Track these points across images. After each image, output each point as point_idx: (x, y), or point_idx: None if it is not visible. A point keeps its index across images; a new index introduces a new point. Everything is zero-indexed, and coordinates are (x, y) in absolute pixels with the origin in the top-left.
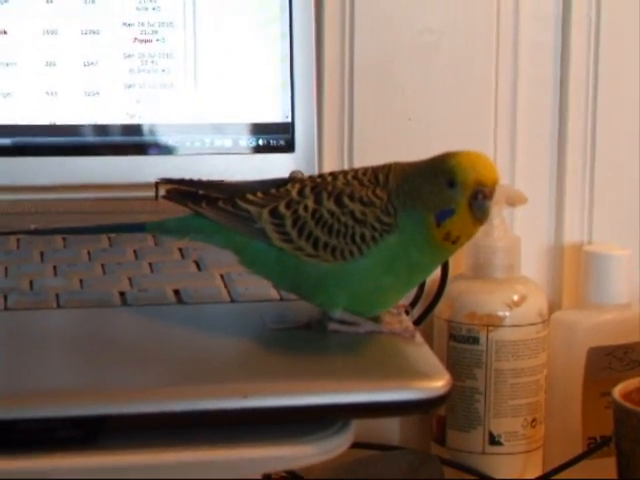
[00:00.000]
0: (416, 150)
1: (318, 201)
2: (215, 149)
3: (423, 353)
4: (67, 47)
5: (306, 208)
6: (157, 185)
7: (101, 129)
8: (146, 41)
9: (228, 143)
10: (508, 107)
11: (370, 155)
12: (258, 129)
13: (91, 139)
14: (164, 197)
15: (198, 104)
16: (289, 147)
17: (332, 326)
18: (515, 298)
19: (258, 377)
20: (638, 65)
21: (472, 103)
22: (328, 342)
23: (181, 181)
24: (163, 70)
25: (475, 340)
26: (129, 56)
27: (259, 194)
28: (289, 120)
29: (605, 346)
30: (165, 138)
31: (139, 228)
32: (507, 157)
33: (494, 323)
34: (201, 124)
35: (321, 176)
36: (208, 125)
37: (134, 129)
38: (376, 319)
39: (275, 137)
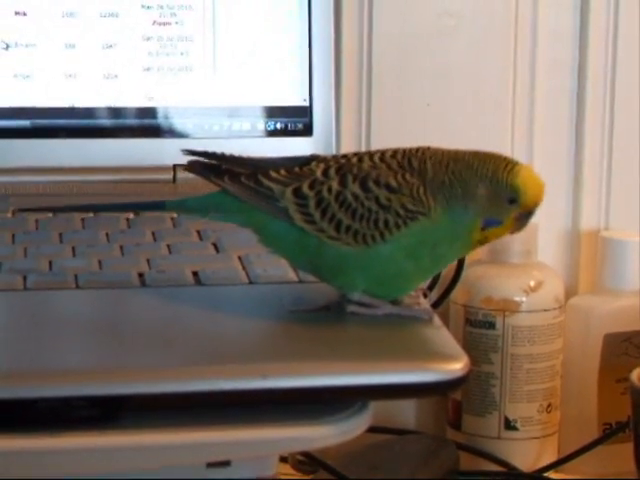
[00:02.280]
0: (434, 135)
1: (343, 183)
2: (233, 132)
3: (441, 335)
4: (86, 29)
5: (330, 190)
6: (175, 168)
7: (119, 112)
8: (165, 24)
9: (246, 126)
10: (526, 92)
11: (388, 140)
12: (276, 112)
13: (109, 122)
14: (185, 168)
15: (216, 87)
16: (307, 131)
17: (351, 308)
18: (532, 283)
19: (277, 358)
20: None
21: (490, 88)
22: (346, 324)
23: (204, 153)
24: (182, 53)
25: (491, 325)
26: (148, 39)
27: (282, 172)
28: (307, 104)
29: (621, 332)
30: (183, 121)
31: (159, 206)
32: (525, 142)
33: (510, 308)
34: (219, 107)
35: (345, 156)
36: (226, 108)
37: (152, 112)
38: (394, 302)
39: (293, 121)
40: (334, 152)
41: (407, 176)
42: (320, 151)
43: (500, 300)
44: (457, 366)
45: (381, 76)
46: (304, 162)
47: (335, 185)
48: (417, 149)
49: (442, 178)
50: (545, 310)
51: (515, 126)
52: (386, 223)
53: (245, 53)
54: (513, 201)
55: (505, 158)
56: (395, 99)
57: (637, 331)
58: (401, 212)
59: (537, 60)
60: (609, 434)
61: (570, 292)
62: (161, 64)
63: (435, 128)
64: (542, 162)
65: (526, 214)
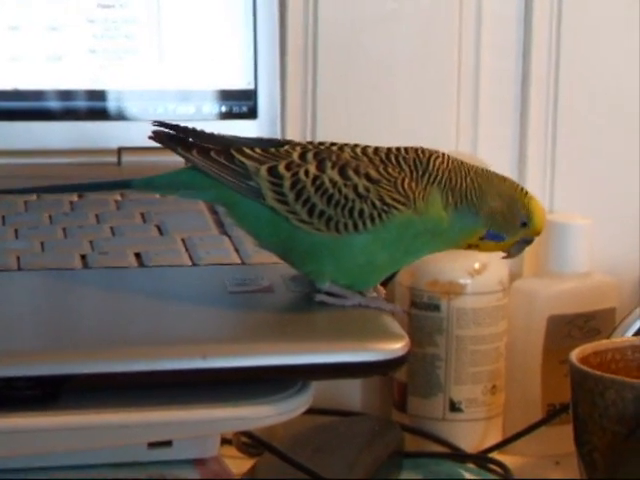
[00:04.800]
0: (379, 119)
1: (321, 168)
2: (178, 116)
3: (382, 317)
4: (30, 11)
5: (307, 173)
6: (120, 151)
7: (64, 94)
8: (109, 6)
9: (191, 110)
10: (471, 76)
11: (333, 123)
12: (221, 96)
13: (54, 104)
14: (150, 137)
15: (161, 70)
16: (252, 114)
17: (319, 297)
18: (476, 266)
19: (217, 338)
20: (600, 31)
21: (435, 72)
22: (288, 305)
23: (173, 126)
24: (126, 36)
25: (436, 307)
26: (92, 21)
27: (257, 150)
28: (252, 87)
29: (565, 314)
30: (128, 104)
31: (125, 185)
32: (470, 126)
33: (455, 291)
34: (164, 90)
35: (322, 144)
36: (171, 91)
37: (97, 95)
38: (360, 292)
39: (238, 104)
40: (279, 135)
41: (389, 169)
42: (265, 134)
43: (445, 283)
44: (397, 346)
45: (327, 60)
46: (278, 144)
47: (313, 169)
48: (406, 149)
49: (457, 180)
50: (489, 293)
51: (460, 110)
52: (361, 213)
53: (190, 36)
54: (524, 224)
55: (519, 184)
56: (341, 83)
57: (580, 313)
58: (377, 204)
59: (482, 43)
60: (552, 415)
61: (515, 275)
62: (106, 47)
63: (381, 111)
64: (487, 146)
65: (526, 241)
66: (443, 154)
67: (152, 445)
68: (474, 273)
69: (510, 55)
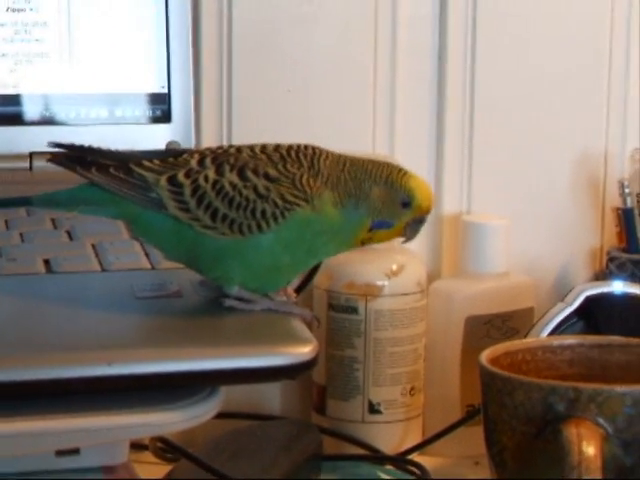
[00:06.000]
0: (295, 120)
1: (220, 172)
2: (90, 120)
3: (291, 321)
4: None
5: (207, 178)
6: (31, 156)
7: None
8: (19, 10)
9: (104, 113)
10: (387, 78)
11: (249, 126)
12: (134, 99)
13: None
14: (49, 160)
15: (73, 74)
16: (166, 118)
17: (228, 302)
18: (394, 268)
19: (123, 345)
20: (515, 32)
21: (351, 74)
22: (196, 310)
23: (70, 146)
24: (37, 39)
25: (354, 310)
26: (2, 25)
27: (156, 161)
28: (165, 91)
29: (483, 315)
30: (40, 108)
31: (25, 202)
32: (386, 128)
33: (373, 293)
34: (76, 94)
35: (221, 148)
36: (83, 95)
37: (8, 99)
38: (266, 296)
39: (151, 108)
40: (193, 138)
41: (288, 166)
42: (179, 138)
43: (362, 285)
44: (304, 350)
45: (242, 63)
46: (177, 154)
47: (212, 174)
48: (305, 146)
49: (338, 175)
50: (407, 294)
51: (377, 112)
52: (263, 213)
53: (102, 40)
54: (406, 205)
55: (398, 165)
56: (256, 86)
57: (498, 313)
58: (279, 202)
59: (397, 45)
60: (470, 415)
61: (434, 276)
62: (16, 50)
63: (296, 114)
64: (404, 147)
65: (418, 220)
66: (329, 153)
67: (60, 453)
68: (391, 275)
69: (426, 56)
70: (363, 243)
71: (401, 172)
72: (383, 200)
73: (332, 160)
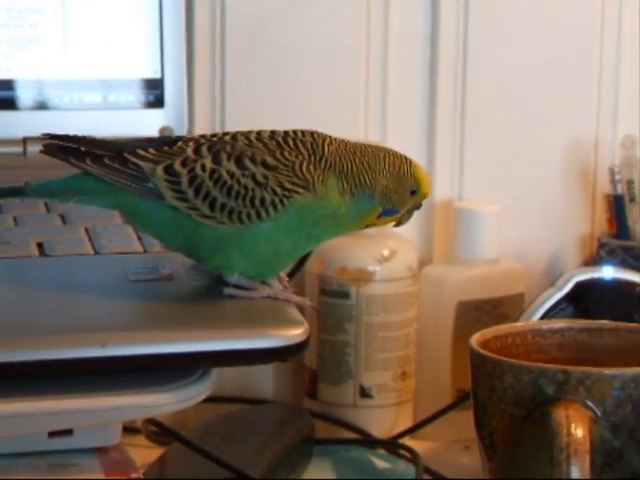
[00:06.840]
0: (287, 107)
1: (217, 161)
2: (84, 105)
3: (282, 305)
4: None
5: (204, 167)
6: (25, 140)
7: None
8: None
9: (97, 99)
10: (380, 63)
11: (242, 111)
12: (127, 85)
13: None
14: (42, 151)
15: (67, 59)
16: (159, 103)
17: (228, 291)
18: (385, 253)
19: (117, 327)
20: (506, 20)
21: (343, 59)
22: (188, 293)
23: (64, 137)
24: (31, 25)
25: (346, 295)
26: None
27: (151, 150)
28: (159, 76)
29: (474, 300)
30: (34, 93)
31: (19, 192)
32: (378, 113)
33: (364, 278)
34: (70, 79)
35: (215, 135)
36: (77, 81)
37: (2, 84)
38: (264, 282)
39: (145, 93)
40: (186, 124)
41: (286, 154)
42: (172, 123)
43: (354, 270)
44: (296, 332)
45: (234, 48)
46: (171, 142)
47: (208, 163)
48: (302, 132)
49: (348, 164)
50: (398, 279)
51: (369, 97)
52: (262, 201)
53: (95, 25)
54: (414, 193)
55: (403, 154)
56: (249, 71)
57: (489, 299)
58: (278, 190)
59: (389, 31)
60: (460, 400)
61: (425, 262)
62: (11, 35)
63: (289, 99)
64: (396, 133)
65: (416, 206)
66: (333, 138)
67: (53, 434)
68: (383, 260)
69: (418, 42)
70: (367, 227)
71: (408, 160)
72: (396, 189)
73: (338, 146)
